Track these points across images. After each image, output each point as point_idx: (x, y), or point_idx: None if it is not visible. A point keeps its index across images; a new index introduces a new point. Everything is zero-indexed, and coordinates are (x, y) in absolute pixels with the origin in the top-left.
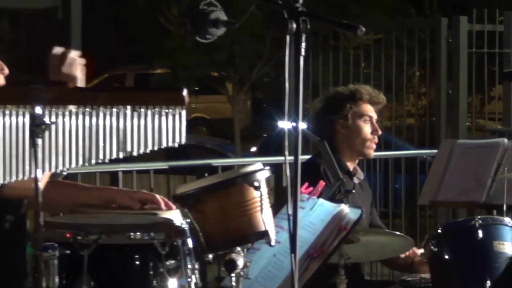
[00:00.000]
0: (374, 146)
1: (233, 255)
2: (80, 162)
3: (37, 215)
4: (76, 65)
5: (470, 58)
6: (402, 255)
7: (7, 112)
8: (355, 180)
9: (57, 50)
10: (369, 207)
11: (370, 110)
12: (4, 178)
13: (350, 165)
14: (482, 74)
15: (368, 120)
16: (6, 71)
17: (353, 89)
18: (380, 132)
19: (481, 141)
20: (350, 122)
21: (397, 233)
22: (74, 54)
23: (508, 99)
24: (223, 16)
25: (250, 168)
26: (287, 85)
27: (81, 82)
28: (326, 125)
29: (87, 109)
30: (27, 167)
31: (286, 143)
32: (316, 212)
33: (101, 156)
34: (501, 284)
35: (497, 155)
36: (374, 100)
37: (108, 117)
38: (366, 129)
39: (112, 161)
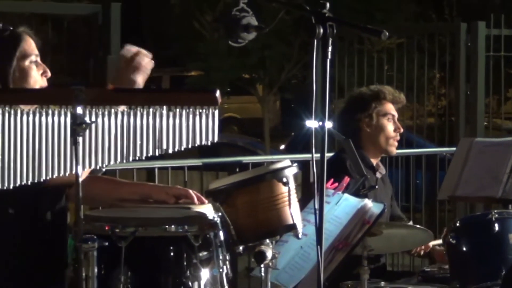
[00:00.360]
0: (396, 143)
1: (263, 247)
2: (118, 159)
3: (78, 209)
4: (141, 71)
5: (488, 61)
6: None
7: (50, 112)
8: (378, 175)
9: (128, 49)
10: (389, 200)
11: (392, 109)
12: (47, 174)
13: (374, 161)
14: (499, 76)
15: (391, 119)
16: (49, 74)
17: (376, 90)
18: (402, 130)
19: (497, 139)
20: (375, 120)
21: (418, 226)
22: (145, 61)
23: None
24: (254, 22)
25: (278, 165)
26: (314, 86)
27: (138, 86)
28: (351, 123)
29: (126, 110)
30: (68, 164)
31: (313, 141)
32: (341, 206)
33: (138, 154)
34: None
35: (506, 155)
36: (396, 100)
37: (145, 116)
38: (390, 127)
39: (148, 158)
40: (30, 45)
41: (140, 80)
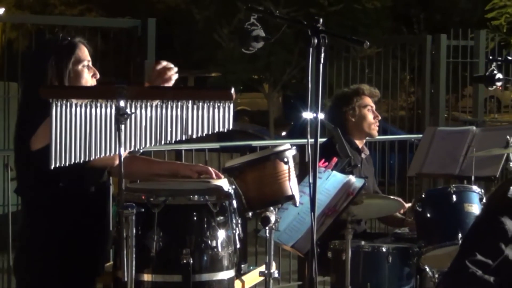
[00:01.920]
0: (377, 128)
1: (267, 213)
2: (153, 142)
3: (120, 182)
4: (168, 81)
5: (448, 66)
6: (397, 214)
7: (98, 104)
8: (363, 156)
9: (162, 63)
10: (373, 176)
11: (370, 101)
12: (96, 154)
13: (359, 144)
14: (457, 78)
15: (370, 109)
16: (98, 76)
17: (356, 87)
18: (379, 117)
19: (456, 128)
20: (357, 111)
21: (391, 197)
22: (173, 71)
23: (476, 97)
24: (262, 33)
25: (280, 148)
26: (309, 85)
27: None
28: (338, 115)
29: (158, 103)
30: (113, 146)
31: (308, 129)
32: (330, 181)
33: (168, 138)
34: (471, 233)
35: (468, 139)
36: (372, 94)
37: (174, 109)
38: (370, 115)
39: (176, 142)
40: (84, 52)
41: (89, 79)
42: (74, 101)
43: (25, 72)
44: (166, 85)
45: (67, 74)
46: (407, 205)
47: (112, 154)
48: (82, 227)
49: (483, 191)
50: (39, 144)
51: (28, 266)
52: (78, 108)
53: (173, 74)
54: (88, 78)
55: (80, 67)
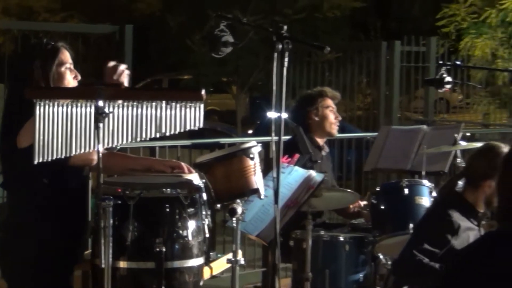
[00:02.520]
0: (337, 127)
1: (234, 205)
2: (129, 139)
3: (99, 176)
4: (123, 75)
5: (402, 70)
6: (351, 206)
7: (78, 104)
8: (323, 153)
9: (111, 63)
10: (331, 171)
11: (332, 103)
12: (76, 151)
13: (320, 142)
14: (409, 81)
15: (332, 110)
16: (79, 77)
17: (320, 89)
18: (340, 118)
19: (408, 127)
20: (320, 111)
21: (348, 190)
22: (123, 67)
23: (427, 98)
24: (231, 39)
25: (247, 145)
26: (274, 87)
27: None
28: (302, 115)
29: (135, 103)
30: (92, 143)
31: (273, 127)
32: (292, 175)
33: (143, 136)
34: (421, 225)
35: (419, 137)
36: (334, 96)
37: (149, 108)
38: (331, 116)
39: (151, 139)
40: (66, 55)
41: (125, 82)
42: (56, 101)
43: (11, 74)
44: (121, 79)
45: (51, 76)
46: (363, 203)
47: (91, 150)
48: (63, 219)
49: (433, 185)
50: (25, 142)
51: (12, 254)
52: (60, 108)
53: (123, 70)
54: (70, 80)
55: (63, 69)
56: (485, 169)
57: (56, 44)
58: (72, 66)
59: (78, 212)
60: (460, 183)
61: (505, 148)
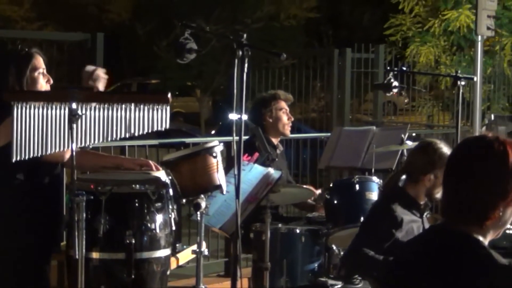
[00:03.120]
0: (290, 128)
1: (199, 200)
2: (101, 139)
3: (72, 173)
4: (100, 79)
5: (352, 75)
6: (309, 200)
7: (53, 106)
8: (278, 151)
9: (89, 68)
10: (286, 168)
11: (285, 105)
12: (51, 149)
13: (275, 141)
14: (359, 85)
15: (285, 112)
16: (51, 81)
17: (273, 92)
18: (292, 118)
19: (358, 128)
20: (274, 113)
21: (304, 186)
22: (100, 71)
23: (376, 101)
24: (194, 46)
25: (210, 144)
26: (235, 91)
27: (102, 89)
28: (258, 116)
29: (105, 105)
30: (66, 142)
31: (234, 128)
32: (252, 172)
33: (114, 136)
34: (367, 219)
35: (369, 137)
36: (287, 98)
37: (119, 110)
38: (284, 117)
39: (121, 139)
40: (39, 61)
41: (101, 86)
42: (32, 103)
43: None
44: (96, 83)
45: (25, 80)
46: (318, 191)
47: (65, 149)
48: (39, 213)
49: (381, 181)
50: (1, 142)
51: None
52: (36, 109)
53: (99, 74)
54: (43, 84)
55: (36, 74)
56: (424, 164)
57: (30, 50)
58: (45, 71)
59: (53, 206)
60: (403, 178)
61: (441, 145)
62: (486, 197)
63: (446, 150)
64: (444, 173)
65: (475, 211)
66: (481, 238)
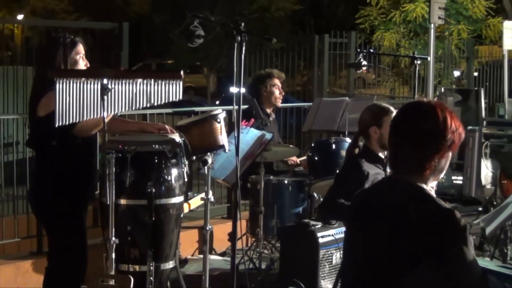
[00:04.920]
0: (281, 100)
1: (206, 157)
2: (126, 108)
3: (104, 136)
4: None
5: (330, 56)
6: (289, 162)
7: (88, 82)
8: (270, 118)
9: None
10: (277, 132)
11: (278, 82)
12: (86, 116)
13: (268, 110)
14: (335, 64)
15: (278, 87)
16: (88, 64)
17: (268, 71)
18: (283, 93)
19: (335, 99)
20: (269, 89)
21: (291, 145)
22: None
23: (349, 77)
24: (202, 33)
25: (215, 112)
26: (235, 69)
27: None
28: (255, 90)
29: (130, 81)
30: (99, 111)
31: (234, 99)
32: (249, 134)
33: (137, 106)
34: (341, 171)
35: (343, 106)
36: (280, 76)
37: (141, 85)
38: (277, 92)
39: (143, 108)
40: (81, 47)
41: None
42: (71, 79)
43: (38, 59)
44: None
45: (69, 61)
46: (300, 159)
47: (98, 117)
48: (78, 168)
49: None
50: (42, 112)
51: (40, 197)
52: (74, 84)
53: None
54: (82, 65)
55: (78, 57)
56: (368, 119)
57: (74, 38)
58: (84, 56)
59: (89, 163)
60: (361, 137)
61: (384, 104)
62: (423, 152)
63: (386, 105)
64: (390, 131)
65: (415, 163)
66: (424, 186)
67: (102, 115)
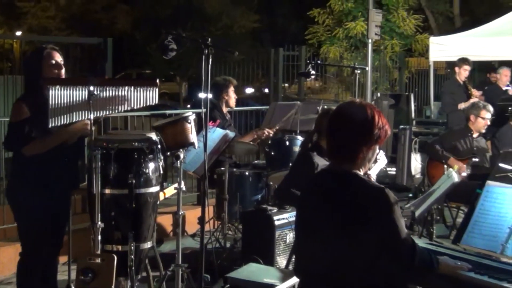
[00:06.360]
0: (235, 103)
1: (178, 153)
2: (110, 112)
3: (91, 135)
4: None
5: (284, 66)
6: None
7: (77, 88)
8: (227, 118)
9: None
10: (236, 130)
11: (233, 89)
12: (76, 118)
13: (225, 111)
14: (289, 73)
15: (233, 92)
16: (63, 68)
17: (227, 78)
18: (236, 97)
19: (288, 102)
20: (227, 94)
21: (251, 142)
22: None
23: (300, 84)
24: (175, 47)
25: (186, 114)
26: (203, 78)
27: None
28: (217, 95)
29: (113, 88)
30: (86, 114)
31: (202, 103)
32: (215, 133)
33: (120, 109)
34: (293, 165)
35: (295, 108)
36: (234, 83)
37: (123, 91)
38: (233, 96)
39: (124, 111)
40: (55, 54)
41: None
42: (62, 87)
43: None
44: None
45: (45, 68)
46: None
47: (85, 118)
48: (65, 164)
49: (304, 139)
50: (12, 118)
51: (19, 191)
52: (65, 91)
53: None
54: (55, 71)
55: (53, 62)
56: (326, 122)
57: (47, 46)
58: (58, 61)
59: (76, 158)
60: (315, 135)
61: None
62: (354, 144)
63: None
64: (327, 126)
65: (348, 153)
66: (358, 172)
67: (89, 117)
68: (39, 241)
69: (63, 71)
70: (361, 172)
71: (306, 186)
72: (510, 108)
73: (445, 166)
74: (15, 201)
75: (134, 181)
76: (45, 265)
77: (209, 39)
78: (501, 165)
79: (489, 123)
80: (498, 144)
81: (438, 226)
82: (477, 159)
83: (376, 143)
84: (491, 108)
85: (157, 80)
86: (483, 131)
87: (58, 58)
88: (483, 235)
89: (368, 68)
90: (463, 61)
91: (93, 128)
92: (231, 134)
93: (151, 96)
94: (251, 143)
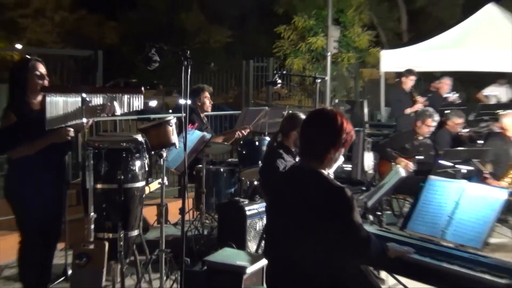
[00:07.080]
0: (210, 108)
1: (161, 152)
2: (100, 116)
3: (83, 137)
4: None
5: (254, 76)
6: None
7: (71, 96)
8: (204, 121)
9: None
10: (212, 132)
11: (208, 94)
12: (70, 121)
13: (202, 116)
14: (258, 82)
15: (208, 98)
16: (46, 78)
17: (201, 86)
18: (212, 102)
19: (257, 108)
20: (202, 100)
21: (225, 143)
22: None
23: (268, 92)
24: (158, 58)
25: (168, 118)
26: (183, 86)
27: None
28: (195, 101)
29: (104, 95)
30: (79, 117)
31: (182, 108)
32: (194, 135)
33: (109, 114)
34: (263, 162)
35: (263, 113)
36: (209, 90)
37: (112, 98)
38: (207, 102)
39: (113, 115)
40: (39, 65)
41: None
42: (58, 94)
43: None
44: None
45: (29, 78)
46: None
47: (79, 122)
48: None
49: (270, 139)
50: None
51: (16, 187)
52: (61, 98)
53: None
54: (38, 82)
55: (36, 72)
56: (290, 125)
57: (32, 58)
58: (42, 72)
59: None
60: (280, 135)
61: (301, 114)
62: (322, 145)
63: (303, 117)
64: (301, 129)
65: (316, 153)
66: (323, 171)
67: (82, 120)
68: (35, 232)
69: (46, 81)
70: (327, 171)
71: (278, 177)
72: (445, 112)
73: (393, 163)
74: (11, 196)
75: (122, 177)
76: (42, 254)
77: (188, 52)
78: (441, 162)
79: (432, 130)
80: (435, 145)
81: (387, 215)
82: (421, 157)
83: (343, 146)
84: (436, 117)
85: (142, 88)
86: (427, 135)
87: (42, 69)
88: (425, 222)
89: (327, 78)
90: (409, 72)
91: (74, 135)
92: (207, 135)
93: (138, 102)
94: (225, 143)
